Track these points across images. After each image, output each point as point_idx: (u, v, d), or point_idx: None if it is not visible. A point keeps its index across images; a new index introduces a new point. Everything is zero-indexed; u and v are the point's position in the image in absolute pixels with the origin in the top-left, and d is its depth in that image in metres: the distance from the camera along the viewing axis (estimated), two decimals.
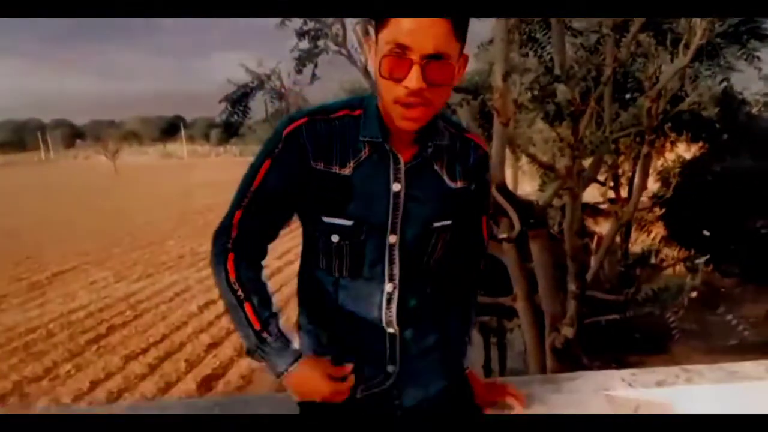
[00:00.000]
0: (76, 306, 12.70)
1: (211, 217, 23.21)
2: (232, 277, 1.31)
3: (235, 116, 5.49)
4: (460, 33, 1.16)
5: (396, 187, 1.28)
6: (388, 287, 1.34)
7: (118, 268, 15.96)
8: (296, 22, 5.24)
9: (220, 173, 42.38)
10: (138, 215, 24.02)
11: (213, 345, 10.51)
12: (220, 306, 12.35)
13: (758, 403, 1.53)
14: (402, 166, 1.29)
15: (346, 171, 1.27)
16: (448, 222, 1.36)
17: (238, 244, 1.33)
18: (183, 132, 78.42)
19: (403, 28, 1.12)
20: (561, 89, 4.36)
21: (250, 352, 1.31)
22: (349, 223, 1.30)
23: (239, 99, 5.36)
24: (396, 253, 1.33)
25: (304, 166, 1.27)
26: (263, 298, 1.33)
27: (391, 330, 1.36)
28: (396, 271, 1.34)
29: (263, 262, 1.40)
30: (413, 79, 1.13)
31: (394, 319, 1.35)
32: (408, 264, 1.34)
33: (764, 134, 7.08)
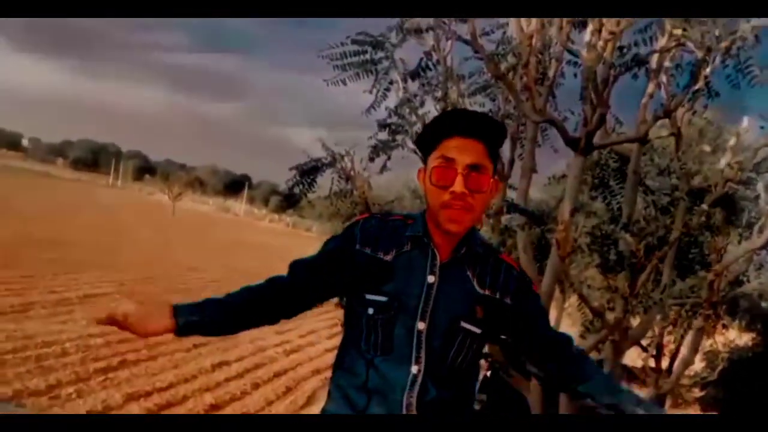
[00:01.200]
0: (97, 332, 12.72)
1: (251, 277, 23.33)
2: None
3: (301, 186, 5.58)
4: (492, 154, 1.51)
5: (431, 279, 1.50)
6: (413, 369, 1.47)
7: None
8: (381, 113, 5.41)
9: (269, 238, 43.07)
10: (183, 260, 24.38)
11: (214, 407, 10.27)
12: (233, 369, 12.19)
13: None
14: (438, 262, 1.52)
15: (389, 257, 1.53)
16: (477, 330, 1.51)
17: (284, 279, 1.61)
18: (246, 191, 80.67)
19: (450, 146, 1.47)
20: (625, 240, 4.28)
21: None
22: (384, 299, 1.50)
23: (309, 171, 5.46)
24: (423, 339, 1.48)
25: (349, 249, 1.55)
26: (233, 296, 1.60)
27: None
28: (422, 355, 1.47)
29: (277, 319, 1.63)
30: (458, 185, 1.44)
31: (414, 403, 1.45)
32: (434, 354, 1.49)
33: None
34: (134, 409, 9.30)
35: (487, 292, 1.52)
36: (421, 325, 1.48)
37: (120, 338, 12.56)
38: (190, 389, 10.76)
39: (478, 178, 1.46)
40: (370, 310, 1.50)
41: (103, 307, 1.58)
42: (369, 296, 1.51)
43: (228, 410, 10.19)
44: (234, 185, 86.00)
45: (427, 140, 1.53)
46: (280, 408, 10.66)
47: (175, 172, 76.91)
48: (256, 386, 11.55)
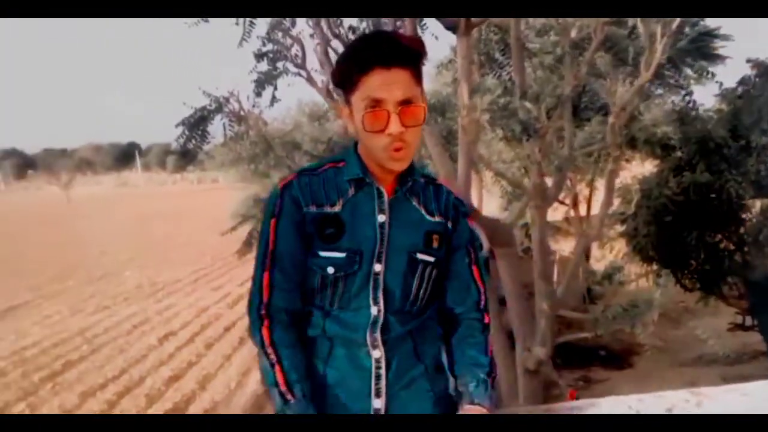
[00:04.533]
0: (29, 343, 12.19)
1: (167, 246, 22.76)
2: (267, 342, 1.42)
3: (193, 140, 5.34)
4: (418, 78, 1.40)
5: (381, 218, 1.45)
6: (373, 310, 1.44)
7: (72, 301, 15.44)
8: (254, 44, 5.17)
9: (177, 201, 41.78)
10: (92, 246, 23.37)
11: (174, 378, 10.17)
12: (181, 337, 12.04)
13: None
14: (386, 199, 1.46)
15: (337, 208, 1.44)
16: (431, 258, 1.48)
17: (271, 306, 1.45)
18: (138, 159, 77.15)
19: (374, 83, 1.34)
20: (524, 108, 4.36)
21: (277, 412, 1.39)
22: (342, 255, 1.43)
23: (197, 122, 5.21)
24: (381, 280, 1.45)
25: (301, 214, 1.44)
26: (294, 362, 1.41)
27: (376, 354, 1.43)
28: (380, 295, 1.44)
29: (300, 322, 1.48)
30: (394, 126, 1.34)
31: (379, 340, 1.43)
32: (393, 293, 1.46)
33: (720, 149, 7.24)
34: (94, 405, 9.12)
35: (436, 218, 1.50)
36: (377, 267, 1.44)
37: (54, 342, 12.12)
38: (144, 369, 10.59)
39: (413, 111, 1.36)
40: (330, 269, 1.43)
41: None
42: (324, 253, 1.44)
43: (188, 377, 10.13)
44: (124, 157, 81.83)
45: (345, 77, 1.40)
46: (238, 360, 10.69)
47: (56, 159, 72.18)
48: (209, 346, 11.51)
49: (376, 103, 1.35)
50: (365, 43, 1.44)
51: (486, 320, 1.54)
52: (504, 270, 5.35)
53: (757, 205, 7.64)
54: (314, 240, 1.44)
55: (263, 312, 1.43)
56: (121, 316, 13.77)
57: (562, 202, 9.16)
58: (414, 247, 1.47)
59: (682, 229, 7.28)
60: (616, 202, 8.28)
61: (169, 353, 11.30)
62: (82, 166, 76.12)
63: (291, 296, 1.46)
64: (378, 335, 1.44)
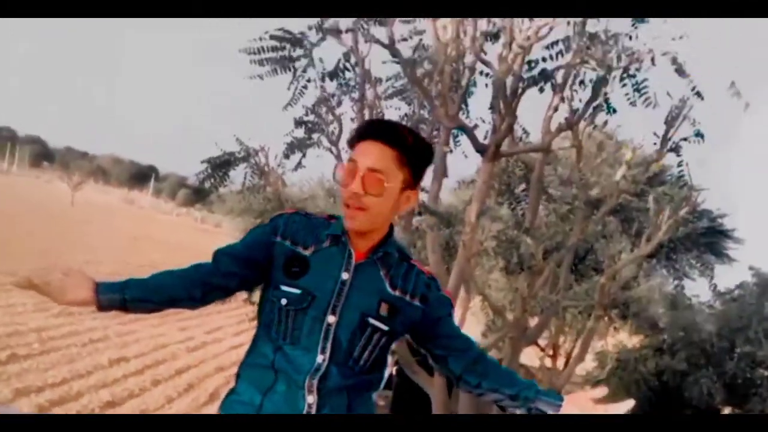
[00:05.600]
0: None
1: (153, 272, 22.58)
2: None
3: (212, 180, 5.50)
4: (405, 163, 1.54)
5: (345, 276, 1.56)
6: (319, 358, 1.54)
7: (41, 298, 15.09)
8: (298, 110, 5.42)
9: (175, 233, 41.73)
10: (80, 251, 23.24)
11: (110, 404, 9.87)
12: (132, 365, 11.77)
13: None
14: (353, 261, 1.57)
15: (308, 252, 1.58)
16: (384, 327, 1.57)
17: (207, 265, 1.64)
18: (152, 182, 77.77)
19: (359, 149, 1.53)
20: (526, 243, 4.50)
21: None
22: (298, 291, 1.55)
23: (221, 165, 5.38)
24: (332, 331, 1.55)
25: (271, 240, 1.59)
26: (154, 280, 1.65)
27: (310, 399, 1.54)
28: (329, 346, 1.54)
29: (198, 295, 1.65)
30: (355, 185, 1.50)
31: (315, 387, 1.54)
32: (341, 346, 1.56)
33: (703, 344, 7.31)
34: (24, 405, 8.84)
35: (397, 293, 1.59)
36: (331, 319, 1.54)
37: (9, 331, 11.88)
38: (84, 385, 10.31)
39: (376, 181, 1.50)
40: (284, 301, 1.55)
41: (26, 271, 1.60)
42: (284, 287, 1.56)
43: (125, 408, 9.83)
44: (140, 177, 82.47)
45: (351, 141, 1.60)
46: (181, 406, 10.39)
47: (75, 160, 72.96)
48: (156, 383, 11.22)
49: (351, 163, 1.53)
50: (368, 120, 1.78)
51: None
52: (464, 397, 5.32)
53: (726, 411, 7.61)
54: (280, 274, 1.58)
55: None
56: (82, 327, 13.52)
57: (541, 348, 9.16)
58: (368, 311, 1.57)
59: (648, 408, 7.23)
60: (593, 365, 8.29)
61: (115, 378, 11.03)
62: (98, 173, 76.73)
63: (220, 272, 1.63)
64: (315, 382, 1.54)
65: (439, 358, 1.69)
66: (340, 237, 1.58)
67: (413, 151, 1.56)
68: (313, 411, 1.54)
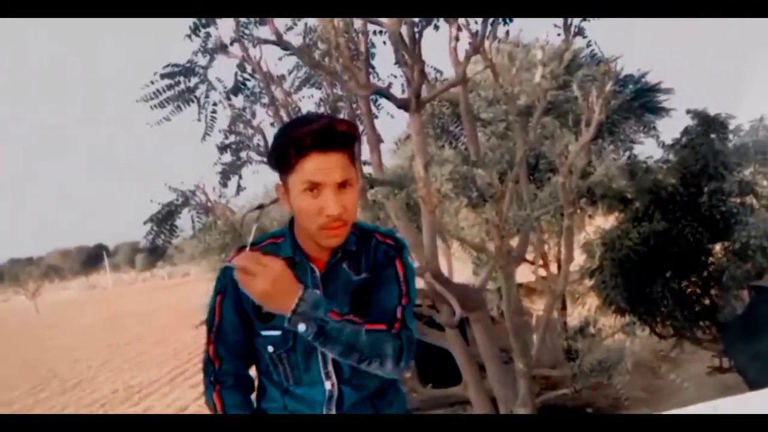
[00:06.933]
0: None
1: (141, 347, 22.20)
2: (218, 406, 1.53)
3: (162, 236, 5.39)
4: (355, 156, 1.47)
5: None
6: (327, 385, 1.50)
7: (46, 414, 14.86)
8: (216, 138, 5.33)
9: (147, 299, 40.98)
10: (65, 354, 22.69)
11: None
12: None
13: None
14: (318, 274, 1.51)
15: None
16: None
17: (221, 373, 1.55)
18: (107, 261, 75.98)
19: (312, 168, 1.39)
20: (479, 175, 4.55)
21: None
22: (278, 333, 1.49)
23: (165, 218, 5.29)
24: (328, 355, 1.47)
25: (239, 293, 1.44)
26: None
27: None
28: (330, 369, 1.50)
29: (250, 389, 1.61)
30: (332, 208, 1.39)
31: (334, 412, 1.50)
32: (341, 363, 1.49)
33: (673, 198, 7.53)
34: None
35: (363, 275, 1.53)
36: None
37: None
38: None
39: (349, 193, 1.43)
40: (270, 348, 1.51)
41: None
42: (264, 332, 1.51)
43: None
44: (92, 259, 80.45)
45: (282, 160, 1.45)
46: None
47: (23, 269, 70.68)
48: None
49: (314, 186, 1.39)
50: (301, 126, 1.43)
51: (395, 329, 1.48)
52: (479, 334, 5.41)
53: (717, 247, 7.89)
54: (254, 321, 1.52)
55: (213, 378, 1.55)
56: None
57: (531, 263, 9.32)
58: (349, 311, 1.45)
59: (648, 278, 7.45)
60: (583, 257, 8.48)
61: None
62: (50, 273, 74.64)
63: (236, 364, 1.57)
64: (333, 410, 1.50)
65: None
66: (294, 259, 1.50)
67: (355, 140, 1.47)
68: None
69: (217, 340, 1.56)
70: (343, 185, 1.42)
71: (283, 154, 1.43)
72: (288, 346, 1.48)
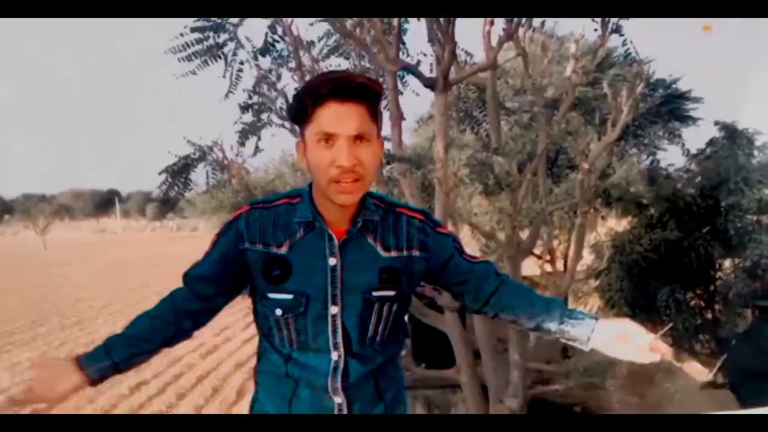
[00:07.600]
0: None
1: (144, 293, 22.46)
2: (168, 299, 1.53)
3: (175, 188, 5.41)
4: (375, 113, 1.37)
5: (332, 261, 1.42)
6: (333, 356, 1.45)
7: (44, 348, 15.11)
8: (239, 96, 5.32)
9: (155, 248, 41.34)
10: (68, 293, 23.00)
11: None
12: (153, 387, 11.77)
13: None
14: (336, 242, 1.42)
15: (283, 250, 1.43)
16: (390, 293, 1.45)
17: (189, 280, 1.52)
18: (118, 206, 76.61)
19: (327, 116, 1.31)
20: (498, 162, 4.52)
21: None
22: (289, 297, 1.43)
23: (180, 170, 5.30)
24: (338, 322, 1.44)
25: (238, 249, 1.44)
26: (135, 328, 1.51)
27: (338, 399, 1.46)
28: (339, 339, 1.44)
29: (192, 327, 1.55)
30: (345, 159, 1.30)
31: (339, 387, 1.45)
32: (353, 334, 1.46)
33: (689, 208, 7.47)
34: None
35: (393, 254, 1.45)
36: (334, 309, 1.42)
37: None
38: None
39: (365, 148, 1.33)
40: (278, 312, 1.43)
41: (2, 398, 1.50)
42: (272, 295, 1.44)
43: None
44: (104, 203, 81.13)
45: (300, 110, 1.37)
46: (212, 410, 10.49)
47: (35, 204, 71.41)
48: (181, 396, 11.28)
49: (328, 137, 1.31)
50: (321, 77, 1.38)
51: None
52: (478, 321, 5.43)
53: (726, 263, 7.84)
54: (262, 281, 1.44)
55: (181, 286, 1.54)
56: None
57: (538, 257, 9.31)
58: (369, 287, 1.44)
59: (654, 285, 7.42)
60: (591, 257, 8.46)
61: (140, 403, 11.06)
62: (61, 211, 75.39)
63: (186, 312, 1.52)
64: (339, 383, 1.45)
65: (457, 294, 1.62)
66: (313, 222, 1.42)
67: (377, 96, 1.38)
68: (344, 410, 1.46)
69: (198, 267, 1.51)
70: (359, 138, 1.32)
71: (301, 104, 1.36)
72: (299, 312, 1.42)
